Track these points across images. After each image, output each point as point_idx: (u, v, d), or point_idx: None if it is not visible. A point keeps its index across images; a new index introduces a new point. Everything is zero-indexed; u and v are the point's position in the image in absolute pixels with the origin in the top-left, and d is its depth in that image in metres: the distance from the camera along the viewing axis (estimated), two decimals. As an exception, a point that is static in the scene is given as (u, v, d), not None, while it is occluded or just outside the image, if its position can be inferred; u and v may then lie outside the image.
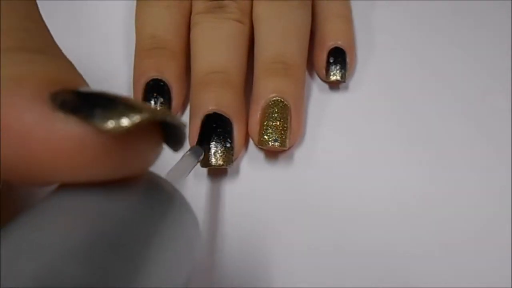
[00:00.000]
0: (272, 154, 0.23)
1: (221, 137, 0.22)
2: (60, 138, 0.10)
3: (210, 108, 0.22)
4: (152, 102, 0.23)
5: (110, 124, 0.10)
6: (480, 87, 0.25)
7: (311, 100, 0.25)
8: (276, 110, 0.22)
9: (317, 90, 0.25)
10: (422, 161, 0.23)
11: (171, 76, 0.23)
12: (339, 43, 0.24)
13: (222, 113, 0.22)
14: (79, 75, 0.12)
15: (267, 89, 0.22)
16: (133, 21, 0.25)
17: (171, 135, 0.12)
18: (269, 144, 0.22)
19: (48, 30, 0.14)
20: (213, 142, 0.22)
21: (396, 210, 0.22)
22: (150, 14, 0.24)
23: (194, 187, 0.22)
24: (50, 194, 0.11)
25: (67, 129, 0.10)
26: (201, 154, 0.21)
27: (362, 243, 0.21)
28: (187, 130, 0.22)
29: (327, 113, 0.24)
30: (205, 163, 0.22)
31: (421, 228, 0.21)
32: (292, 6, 0.24)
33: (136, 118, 0.10)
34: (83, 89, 0.11)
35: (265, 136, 0.22)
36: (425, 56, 0.26)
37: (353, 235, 0.21)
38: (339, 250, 0.21)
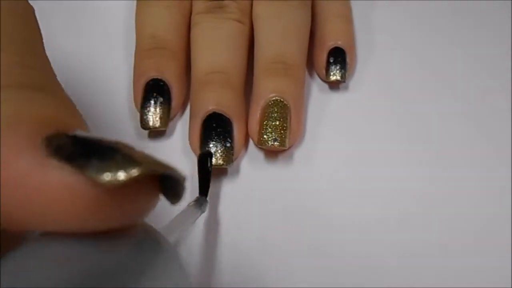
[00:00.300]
0: (272, 154, 0.23)
1: (221, 137, 0.22)
2: (52, 187, 0.10)
3: (210, 108, 0.22)
4: (152, 101, 0.23)
5: (106, 177, 0.10)
6: (480, 87, 0.25)
7: (311, 100, 0.25)
8: (276, 110, 0.22)
9: (317, 90, 0.25)
10: (422, 161, 0.23)
11: (171, 76, 0.23)
12: (339, 43, 0.24)
13: (222, 113, 0.22)
14: (78, 115, 0.12)
15: (267, 89, 0.22)
16: (133, 21, 0.25)
17: (169, 187, 0.11)
18: (268, 143, 0.22)
19: (50, 66, 0.13)
20: (213, 142, 0.22)
21: (396, 210, 0.22)
22: (150, 14, 0.24)
23: (194, 186, 0.22)
24: (35, 239, 0.10)
25: (61, 178, 0.10)
26: (206, 205, 0.20)
27: (362, 243, 0.21)
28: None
29: (327, 113, 0.24)
30: None
31: (421, 228, 0.21)
32: (292, 6, 0.24)
33: (134, 172, 0.10)
34: (80, 133, 0.10)
35: (264, 136, 0.22)
36: (425, 56, 0.26)
37: (353, 235, 0.21)
38: (339, 249, 0.21)
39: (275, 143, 0.22)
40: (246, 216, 0.22)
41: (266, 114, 0.22)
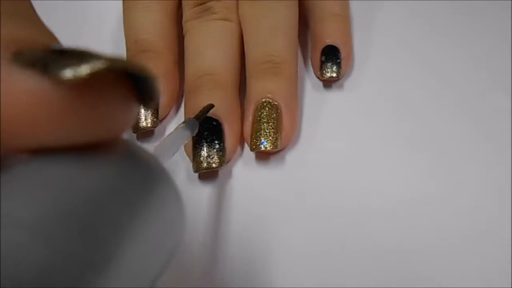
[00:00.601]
0: (264, 155, 0.23)
1: (210, 139, 0.22)
2: (15, 91, 0.09)
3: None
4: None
5: (67, 73, 0.09)
6: (480, 87, 0.25)
7: (308, 99, 0.25)
8: (265, 112, 0.22)
9: (314, 89, 0.25)
10: (421, 162, 0.23)
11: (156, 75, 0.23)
12: (332, 41, 0.24)
13: (212, 116, 0.22)
14: (54, 38, 0.12)
15: (257, 91, 0.22)
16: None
17: (141, 89, 0.11)
18: (260, 147, 0.22)
19: None
20: (204, 145, 0.22)
21: (395, 210, 0.21)
22: (131, 18, 0.25)
23: (187, 187, 0.22)
24: (16, 164, 0.10)
25: (22, 81, 0.09)
26: (196, 127, 0.19)
27: (360, 244, 0.21)
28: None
29: (325, 113, 0.24)
30: (197, 166, 0.22)
31: (420, 228, 0.21)
32: (276, 4, 0.24)
33: (96, 65, 0.09)
34: (53, 46, 0.10)
35: (254, 140, 0.22)
36: (425, 56, 0.26)
37: (351, 236, 0.21)
38: (336, 251, 0.21)
39: (266, 146, 0.22)
40: (240, 217, 0.22)
41: (257, 118, 0.22)
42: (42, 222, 0.09)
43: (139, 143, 0.24)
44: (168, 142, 0.17)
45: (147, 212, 0.11)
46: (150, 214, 0.11)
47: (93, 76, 0.09)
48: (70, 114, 0.10)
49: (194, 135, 0.19)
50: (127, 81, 0.11)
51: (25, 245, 0.08)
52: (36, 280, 0.08)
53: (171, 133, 0.18)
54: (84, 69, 0.09)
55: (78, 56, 0.10)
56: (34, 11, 0.13)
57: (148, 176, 0.11)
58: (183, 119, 0.23)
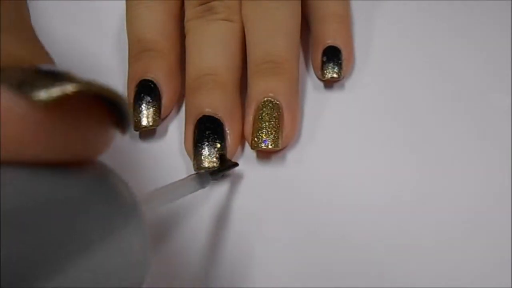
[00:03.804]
0: (265, 154, 0.23)
1: (211, 139, 0.22)
2: None
3: (200, 112, 0.22)
4: (141, 102, 0.23)
5: (39, 94, 0.10)
6: (481, 86, 0.25)
7: (309, 99, 0.25)
8: (266, 111, 0.22)
9: (315, 89, 0.25)
10: (423, 161, 0.23)
11: (158, 75, 0.23)
12: (334, 42, 0.24)
13: (212, 115, 0.22)
14: (43, 56, 0.12)
15: (258, 90, 0.22)
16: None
17: (118, 114, 0.11)
18: (261, 146, 0.22)
19: (22, 7, 0.13)
20: (205, 145, 0.22)
21: (395, 210, 0.22)
22: (135, 17, 0.25)
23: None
24: None
25: (3, 101, 0.10)
26: (208, 182, 0.20)
27: (361, 243, 0.21)
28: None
29: (326, 113, 0.24)
30: (198, 165, 0.22)
31: (420, 228, 0.21)
32: (278, 4, 0.24)
33: (68, 88, 0.10)
34: (41, 66, 0.11)
35: (255, 139, 0.22)
36: (426, 56, 0.26)
37: (352, 235, 0.21)
38: (337, 250, 0.21)
39: (267, 145, 0.22)
40: (239, 217, 0.22)
41: (258, 117, 0.22)
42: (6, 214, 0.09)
43: (140, 142, 0.24)
44: (172, 188, 0.17)
45: (100, 240, 0.11)
46: (104, 243, 0.11)
47: (63, 99, 0.10)
48: (41, 131, 0.10)
49: (205, 188, 0.19)
50: (102, 106, 0.11)
51: None
52: None
53: (179, 180, 0.18)
54: (54, 92, 0.10)
55: (54, 78, 0.10)
56: (31, 28, 0.13)
57: (111, 205, 0.11)
58: (184, 119, 0.23)
